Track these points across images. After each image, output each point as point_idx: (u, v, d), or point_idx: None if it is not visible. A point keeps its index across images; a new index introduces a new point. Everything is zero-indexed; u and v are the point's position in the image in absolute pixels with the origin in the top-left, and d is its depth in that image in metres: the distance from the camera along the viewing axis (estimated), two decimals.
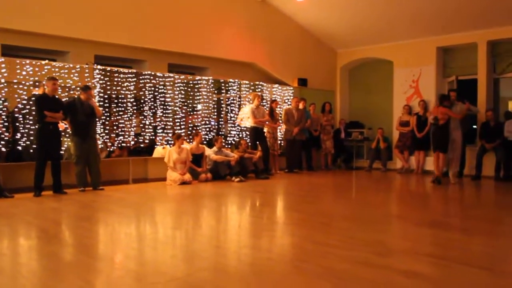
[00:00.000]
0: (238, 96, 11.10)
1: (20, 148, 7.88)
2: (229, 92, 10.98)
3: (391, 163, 12.18)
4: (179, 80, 10.07)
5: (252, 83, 11.42)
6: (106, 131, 8.96)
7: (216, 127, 10.69)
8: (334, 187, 9.47)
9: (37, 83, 8.04)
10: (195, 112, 10.30)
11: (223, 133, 10.81)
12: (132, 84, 9.33)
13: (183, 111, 10.11)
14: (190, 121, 10.32)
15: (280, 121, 11.39)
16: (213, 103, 10.69)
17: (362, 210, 6.50)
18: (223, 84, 10.91)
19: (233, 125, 10.97)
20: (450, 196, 8.15)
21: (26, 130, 7.89)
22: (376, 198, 7.79)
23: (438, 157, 9.06)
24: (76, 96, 8.10)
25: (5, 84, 7.85)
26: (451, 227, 5.25)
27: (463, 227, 5.31)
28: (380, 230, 5.15)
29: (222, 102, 10.96)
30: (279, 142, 11.45)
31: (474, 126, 10.89)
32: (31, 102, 7.83)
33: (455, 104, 9.20)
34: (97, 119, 8.39)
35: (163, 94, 9.77)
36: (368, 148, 12.68)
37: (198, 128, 10.28)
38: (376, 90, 13.25)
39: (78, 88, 8.35)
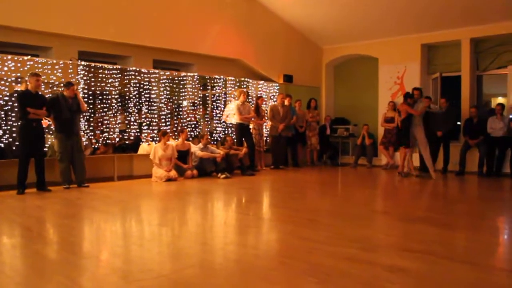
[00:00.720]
0: (223, 92, 11.07)
1: (2, 145, 7.76)
2: (214, 89, 10.95)
3: (377, 159, 12.27)
4: (165, 77, 10.01)
5: (237, 80, 11.40)
6: (91, 128, 8.87)
7: (202, 123, 10.65)
8: (320, 183, 9.51)
9: (19, 79, 7.93)
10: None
11: (208, 129, 10.78)
12: (116, 80, 9.25)
13: (168, 107, 10.05)
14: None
15: (266, 118, 11.39)
16: (199, 99, 10.65)
17: (348, 206, 6.54)
18: (208, 81, 10.87)
19: (218, 122, 10.94)
20: (434, 192, 8.24)
21: (9, 127, 7.78)
22: (361, 194, 7.84)
23: (403, 152, 9.66)
24: (59, 93, 8.00)
25: None
26: (435, 222, 5.31)
27: (447, 222, 5.37)
28: (365, 225, 5.19)
29: (207, 98, 10.92)
30: (264, 138, 11.46)
31: (458, 123, 11.01)
32: (13, 99, 7.72)
33: (418, 102, 9.46)
34: (81, 116, 8.30)
35: (148, 91, 9.70)
36: (354, 144, 12.76)
37: (183, 124, 10.23)
38: (362, 86, 13.32)
39: (62, 85, 8.26)
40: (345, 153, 13.08)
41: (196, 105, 10.57)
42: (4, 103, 7.79)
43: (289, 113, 11.43)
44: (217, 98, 10.94)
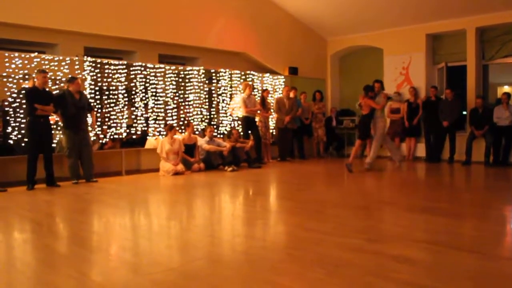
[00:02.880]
0: (229, 85, 11.09)
1: (11, 141, 7.84)
2: (220, 82, 10.96)
3: (382, 150, 12.23)
4: (170, 71, 10.03)
5: (243, 73, 11.40)
6: (98, 123, 8.92)
7: (208, 117, 10.68)
8: (326, 175, 9.53)
9: (27, 76, 7.99)
10: (186, 103, 10.23)
11: (215, 123, 10.81)
12: (123, 75, 9.29)
13: (174, 101, 10.08)
14: (182, 112, 10.27)
15: (272, 110, 11.41)
16: (205, 93, 10.67)
17: (354, 197, 6.56)
18: (214, 74, 10.88)
19: (224, 115, 10.97)
20: (441, 182, 8.24)
21: (17, 124, 7.85)
22: (368, 185, 7.86)
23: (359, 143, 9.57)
24: (65, 89, 8.05)
25: None
26: (441, 212, 5.32)
27: (453, 212, 5.38)
28: (372, 216, 5.22)
29: (213, 92, 10.94)
30: (271, 131, 11.48)
31: (464, 113, 10.98)
32: (21, 95, 7.78)
33: (379, 95, 9.29)
34: (88, 111, 8.34)
35: (154, 85, 9.73)
36: None
37: (189, 118, 10.26)
38: (367, 77, 13.19)
39: (64, 79, 8.31)
40: (351, 145, 13.00)
41: (201, 98, 10.58)
42: (12, 100, 7.86)
43: (295, 105, 11.44)
44: (223, 91, 10.96)
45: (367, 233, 4.28)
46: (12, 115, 7.85)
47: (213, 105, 10.83)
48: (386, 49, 12.35)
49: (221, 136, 10.71)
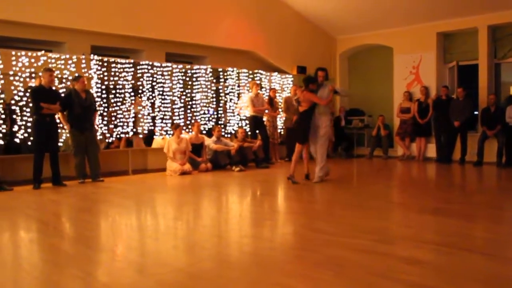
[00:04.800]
0: (237, 84, 11.03)
1: (18, 140, 7.82)
2: (227, 81, 10.91)
3: (392, 150, 12.15)
4: (177, 70, 9.99)
5: (250, 72, 11.34)
6: (105, 122, 8.90)
7: (215, 116, 10.63)
8: (335, 175, 9.43)
9: (33, 75, 7.97)
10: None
11: (222, 122, 10.76)
12: (129, 74, 9.25)
13: (182, 100, 10.03)
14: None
15: (280, 110, 11.33)
16: (212, 92, 10.62)
17: (363, 198, 6.48)
18: (221, 73, 10.83)
19: (232, 114, 10.91)
20: (452, 183, 8.14)
21: (24, 123, 7.83)
22: (377, 185, 7.76)
23: (299, 147, 7.74)
24: (72, 88, 8.02)
25: (1, 76, 7.77)
26: (453, 213, 5.22)
27: (465, 213, 5.28)
28: (381, 217, 5.13)
29: (220, 91, 10.88)
30: (279, 130, 11.40)
31: (476, 112, 10.84)
32: (27, 94, 7.76)
33: (324, 87, 7.63)
34: (95, 111, 8.32)
35: (161, 84, 9.69)
36: (369, 135, 12.64)
37: (196, 118, 10.21)
38: (376, 77, 13.18)
39: (70, 78, 8.29)
40: (360, 145, 12.97)
41: (209, 97, 10.52)
42: (19, 98, 7.84)
43: None
44: (230, 90, 10.90)
45: (376, 234, 4.20)
46: (19, 114, 7.84)
47: (221, 104, 10.77)
48: (396, 48, 12.24)
49: (229, 135, 10.65)
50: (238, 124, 10.91)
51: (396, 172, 9.63)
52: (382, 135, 11.99)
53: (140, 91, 9.42)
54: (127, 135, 9.24)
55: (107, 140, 8.94)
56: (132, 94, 9.32)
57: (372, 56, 13.36)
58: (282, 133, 11.62)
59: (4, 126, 7.74)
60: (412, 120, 11.29)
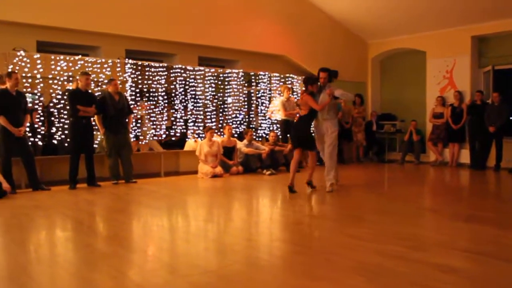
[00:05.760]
0: (268, 88, 11.06)
1: (55, 142, 8.05)
2: (259, 85, 10.96)
3: (424, 156, 11.96)
4: (210, 73, 10.10)
5: (282, 76, 11.36)
6: (138, 125, 9.06)
7: (247, 120, 10.68)
8: (366, 180, 9.35)
9: (71, 78, 8.19)
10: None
11: (253, 126, 10.80)
12: (163, 77, 9.41)
13: (214, 104, 10.13)
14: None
15: None
16: (244, 96, 10.68)
17: (394, 203, 6.40)
18: (253, 77, 10.89)
19: (263, 118, 10.94)
20: (486, 190, 7.96)
21: (61, 125, 8.05)
22: (409, 191, 7.65)
23: (297, 154, 7.15)
24: (106, 91, 8.20)
25: (41, 80, 8.02)
26: (487, 221, 5.12)
27: (499, 221, 5.16)
28: (413, 223, 5.07)
29: (252, 95, 10.94)
30: None
31: None
32: (65, 97, 7.98)
33: (327, 89, 6.96)
34: (129, 113, 8.45)
35: (194, 88, 9.81)
36: (401, 140, 12.49)
37: (228, 121, 10.28)
38: (409, 81, 13.02)
39: (106, 81, 8.47)
40: (392, 150, 12.82)
41: (240, 101, 10.59)
42: (57, 101, 8.07)
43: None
44: (262, 94, 10.94)
45: (409, 240, 4.15)
46: (57, 116, 8.07)
47: (252, 108, 10.82)
48: (429, 52, 12.06)
49: (260, 139, 10.69)
50: (269, 128, 10.94)
51: (428, 178, 9.48)
52: (414, 140, 11.83)
53: (172, 98, 9.56)
54: (160, 138, 9.39)
55: (140, 143, 9.09)
56: (166, 97, 9.47)
57: (404, 60, 13.20)
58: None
59: (42, 128, 7.98)
60: (445, 126, 11.10)
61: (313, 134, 7.01)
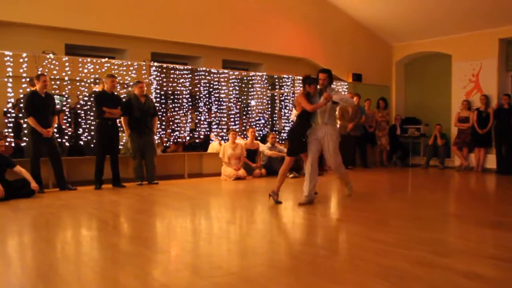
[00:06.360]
0: (291, 91, 11.06)
1: (81, 143, 8.20)
2: (282, 88, 10.97)
3: (449, 160, 11.80)
4: (233, 76, 10.15)
5: None
6: (162, 127, 9.16)
7: (270, 123, 10.70)
8: (390, 184, 9.27)
9: (97, 81, 8.34)
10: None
11: (277, 129, 10.81)
12: (187, 80, 9.50)
13: (237, 107, 10.18)
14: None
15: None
16: (267, 98, 10.71)
17: (419, 208, 6.33)
18: (276, 80, 10.90)
19: (287, 121, 10.94)
20: None
21: (87, 126, 8.20)
22: (433, 196, 7.56)
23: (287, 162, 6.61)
24: (132, 93, 8.32)
25: (68, 82, 8.19)
26: None
27: None
28: (438, 229, 5.00)
29: (275, 97, 10.96)
30: None
31: None
32: (91, 99, 8.12)
33: (329, 91, 6.29)
34: (154, 115, 8.54)
35: (218, 90, 9.88)
36: (425, 144, 12.35)
37: (252, 124, 10.32)
38: (434, 85, 12.87)
39: (131, 84, 8.59)
40: (416, 154, 12.69)
41: (264, 104, 10.62)
42: (84, 103, 8.22)
43: (358, 112, 11.24)
44: (285, 97, 10.95)
45: (434, 246, 4.10)
46: (83, 118, 8.21)
47: (275, 111, 10.84)
48: (455, 55, 11.91)
49: (283, 142, 10.69)
50: None
51: (453, 183, 9.34)
52: (439, 144, 11.68)
53: (196, 101, 9.64)
54: (184, 140, 9.47)
55: (164, 144, 9.19)
56: (190, 100, 9.55)
57: (429, 63, 13.06)
58: None
59: (69, 129, 8.14)
60: (471, 130, 10.93)
61: (302, 140, 6.42)
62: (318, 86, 6.41)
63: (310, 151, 6.48)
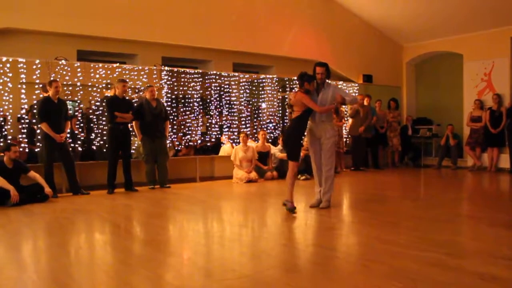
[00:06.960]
0: None
1: (94, 147, 8.27)
2: (293, 90, 10.96)
3: (462, 160, 11.71)
4: (244, 79, 10.18)
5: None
6: (174, 131, 9.20)
7: (281, 125, 10.71)
8: (402, 185, 9.22)
9: (109, 85, 8.40)
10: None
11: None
12: (198, 84, 9.54)
13: (248, 110, 10.20)
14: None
15: (345, 119, 11.24)
16: (278, 101, 10.72)
17: (431, 209, 6.29)
18: (287, 82, 10.91)
19: None
20: None
21: (99, 131, 8.26)
22: (446, 197, 7.50)
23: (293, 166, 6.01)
24: (143, 98, 8.37)
25: (80, 87, 8.27)
26: None
27: None
28: (451, 230, 4.97)
29: (286, 100, 10.96)
30: (344, 139, 11.31)
31: None
32: (103, 104, 8.18)
33: (326, 88, 6.07)
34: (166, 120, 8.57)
35: (228, 93, 9.91)
36: (437, 145, 12.27)
37: (262, 126, 10.33)
38: (445, 84, 12.79)
39: (143, 88, 8.65)
40: (428, 154, 12.60)
41: (275, 107, 10.63)
42: (96, 108, 8.29)
43: (369, 113, 11.20)
44: None
45: (447, 247, 4.08)
46: (95, 122, 8.28)
47: (286, 113, 10.84)
48: (466, 55, 11.83)
49: None
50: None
51: (466, 183, 9.26)
52: (451, 144, 11.59)
53: (207, 104, 9.69)
54: (195, 143, 9.51)
55: (175, 148, 9.23)
56: (201, 103, 9.60)
57: (440, 63, 12.99)
58: (347, 142, 11.51)
59: (82, 134, 8.21)
60: (484, 130, 10.83)
61: (301, 142, 6.17)
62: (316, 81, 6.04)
63: (313, 154, 6.25)
